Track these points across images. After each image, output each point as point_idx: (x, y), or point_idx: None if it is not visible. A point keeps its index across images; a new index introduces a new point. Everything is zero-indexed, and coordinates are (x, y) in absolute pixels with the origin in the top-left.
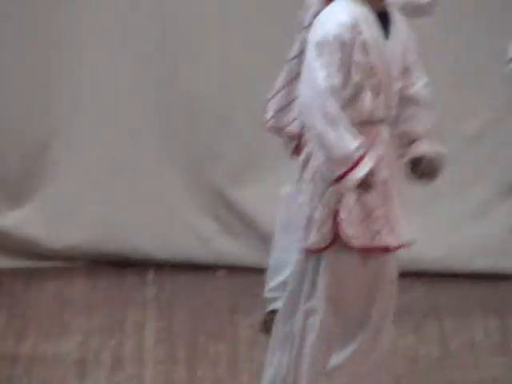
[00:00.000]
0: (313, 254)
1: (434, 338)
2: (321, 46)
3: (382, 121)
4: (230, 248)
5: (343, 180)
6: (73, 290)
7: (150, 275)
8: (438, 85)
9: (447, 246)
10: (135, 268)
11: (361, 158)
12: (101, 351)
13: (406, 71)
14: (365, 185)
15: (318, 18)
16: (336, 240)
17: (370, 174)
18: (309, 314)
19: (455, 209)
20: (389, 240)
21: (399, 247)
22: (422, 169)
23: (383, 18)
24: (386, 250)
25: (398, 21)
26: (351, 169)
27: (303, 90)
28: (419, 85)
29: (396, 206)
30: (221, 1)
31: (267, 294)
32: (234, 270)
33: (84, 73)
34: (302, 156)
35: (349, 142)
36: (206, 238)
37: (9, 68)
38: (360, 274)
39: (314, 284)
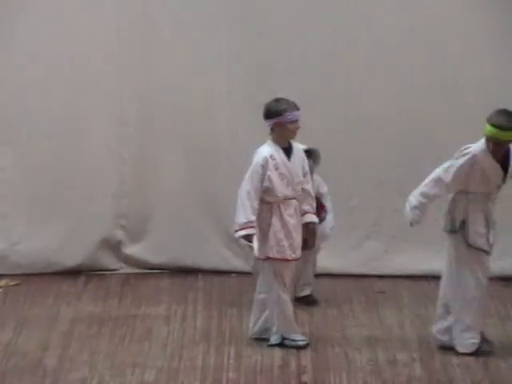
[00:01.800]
0: (262, 260)
1: None
2: (252, 168)
3: (293, 197)
4: (237, 262)
5: (236, 232)
6: (162, 284)
7: (200, 276)
8: None
9: None
10: (191, 272)
11: (246, 227)
12: (176, 311)
13: (304, 175)
14: (247, 239)
15: (256, 152)
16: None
17: (252, 235)
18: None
19: None
20: (287, 255)
21: (294, 260)
22: (311, 228)
23: (287, 150)
24: (287, 260)
25: (296, 149)
26: (239, 230)
27: (241, 186)
28: (308, 184)
29: (297, 238)
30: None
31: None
32: (240, 274)
33: None
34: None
35: (242, 218)
36: (227, 257)
37: None
38: (285, 268)
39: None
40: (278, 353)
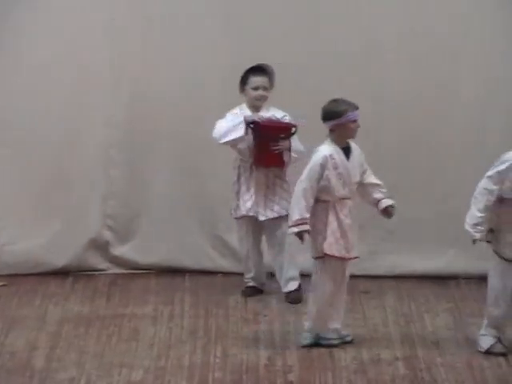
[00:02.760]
0: (317, 259)
1: None
2: (311, 167)
3: (348, 197)
4: (226, 262)
5: (289, 229)
6: (149, 284)
7: (187, 276)
8: None
9: None
10: (178, 272)
11: (300, 224)
12: (163, 311)
13: (363, 173)
14: (299, 236)
15: (316, 149)
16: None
17: (305, 231)
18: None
19: None
20: (344, 254)
21: (350, 259)
22: (390, 211)
23: (346, 150)
24: (343, 259)
25: (354, 149)
26: (292, 226)
27: (298, 183)
28: (371, 176)
29: (351, 238)
30: None
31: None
32: (227, 274)
33: None
34: None
35: (296, 215)
36: (214, 257)
37: None
38: (337, 267)
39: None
40: (263, 352)
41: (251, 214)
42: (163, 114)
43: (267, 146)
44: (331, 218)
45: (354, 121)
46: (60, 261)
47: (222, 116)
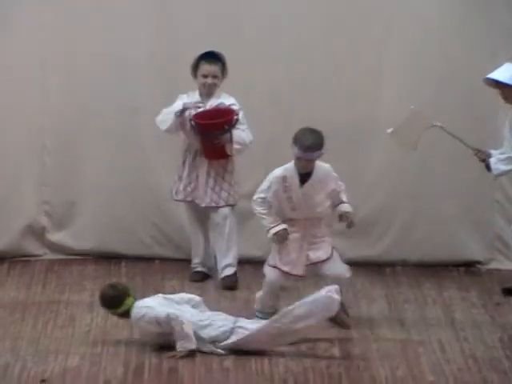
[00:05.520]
0: None
1: None
2: None
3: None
4: (162, 249)
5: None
6: (86, 270)
7: (123, 263)
8: None
9: None
10: (115, 259)
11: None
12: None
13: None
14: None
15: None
16: None
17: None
18: None
19: None
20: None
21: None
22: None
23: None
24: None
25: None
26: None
27: None
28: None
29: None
30: None
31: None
32: (163, 260)
33: None
34: None
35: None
36: (150, 244)
37: None
38: None
39: None
40: None
41: (189, 199)
42: (98, 102)
43: (208, 140)
44: None
45: (298, 158)
46: None
47: (158, 104)
